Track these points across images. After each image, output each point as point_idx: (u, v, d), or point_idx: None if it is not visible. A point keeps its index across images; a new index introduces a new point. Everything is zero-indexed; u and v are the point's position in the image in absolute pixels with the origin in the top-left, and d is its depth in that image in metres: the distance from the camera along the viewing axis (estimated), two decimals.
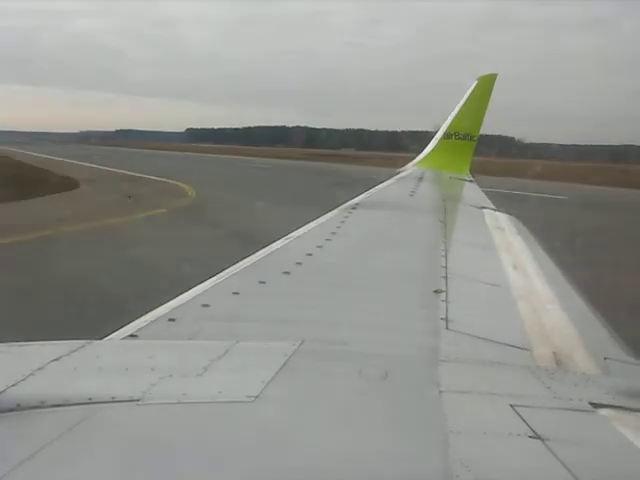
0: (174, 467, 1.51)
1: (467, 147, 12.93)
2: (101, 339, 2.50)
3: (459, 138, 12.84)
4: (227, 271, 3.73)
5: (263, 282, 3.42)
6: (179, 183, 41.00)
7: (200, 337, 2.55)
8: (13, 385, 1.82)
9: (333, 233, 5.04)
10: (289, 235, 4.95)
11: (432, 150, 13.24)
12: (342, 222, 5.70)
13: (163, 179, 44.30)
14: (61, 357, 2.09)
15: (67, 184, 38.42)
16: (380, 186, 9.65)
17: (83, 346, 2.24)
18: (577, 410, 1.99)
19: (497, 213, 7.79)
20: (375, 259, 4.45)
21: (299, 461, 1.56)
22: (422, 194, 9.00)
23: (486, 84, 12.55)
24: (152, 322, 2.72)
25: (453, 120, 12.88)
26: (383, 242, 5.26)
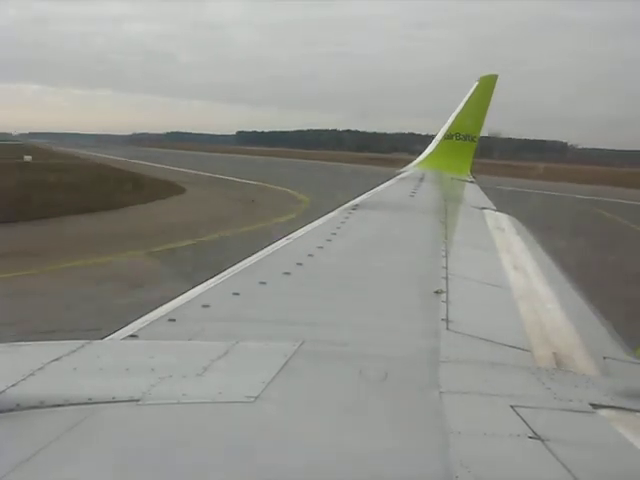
0: (174, 467, 1.51)
1: (468, 148, 12.90)
2: (102, 339, 2.50)
3: (460, 139, 12.80)
4: (227, 271, 3.73)
5: (264, 283, 3.43)
6: (278, 187, 40.23)
7: (200, 337, 2.55)
8: (13, 385, 1.82)
9: (333, 234, 5.04)
10: (290, 236, 4.97)
11: (433, 151, 13.20)
12: (342, 223, 5.70)
13: (259, 183, 43.15)
14: (61, 357, 2.09)
15: (171, 187, 37.83)
16: (381, 187, 9.66)
17: (83, 346, 2.24)
18: (577, 411, 2.00)
19: (497, 214, 7.80)
20: (375, 260, 4.45)
21: (300, 462, 1.56)
22: (423, 195, 9.01)
23: (487, 85, 12.53)
24: (152, 322, 2.72)
25: (454, 121, 12.83)
26: (383, 243, 5.26)
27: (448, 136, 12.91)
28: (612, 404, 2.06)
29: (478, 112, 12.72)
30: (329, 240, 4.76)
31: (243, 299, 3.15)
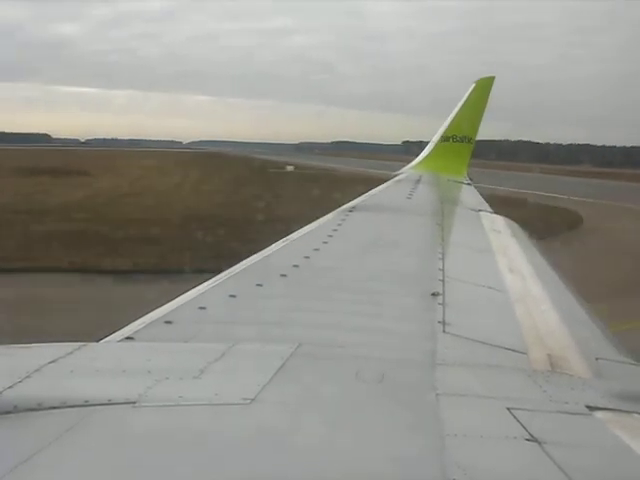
0: (171, 469, 1.51)
1: (465, 150, 12.90)
2: (98, 341, 2.50)
3: (457, 141, 12.80)
4: (224, 274, 3.73)
5: (260, 285, 3.43)
6: None
7: (197, 340, 2.55)
8: (10, 387, 1.81)
9: (330, 236, 5.04)
10: (287, 237, 4.97)
11: (430, 153, 13.19)
12: (339, 225, 5.69)
13: None
14: (58, 359, 2.09)
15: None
16: (377, 189, 9.66)
17: (80, 348, 2.24)
18: (573, 413, 2.00)
19: (493, 216, 7.81)
20: (372, 262, 4.46)
21: (296, 463, 1.56)
22: (419, 197, 9.00)
23: (484, 87, 12.55)
24: (149, 324, 2.72)
25: (451, 123, 12.82)
26: (380, 245, 5.26)
27: (445, 138, 12.90)
28: (608, 406, 2.06)
29: (475, 114, 12.73)
30: (325, 242, 4.76)
31: (239, 301, 3.15)
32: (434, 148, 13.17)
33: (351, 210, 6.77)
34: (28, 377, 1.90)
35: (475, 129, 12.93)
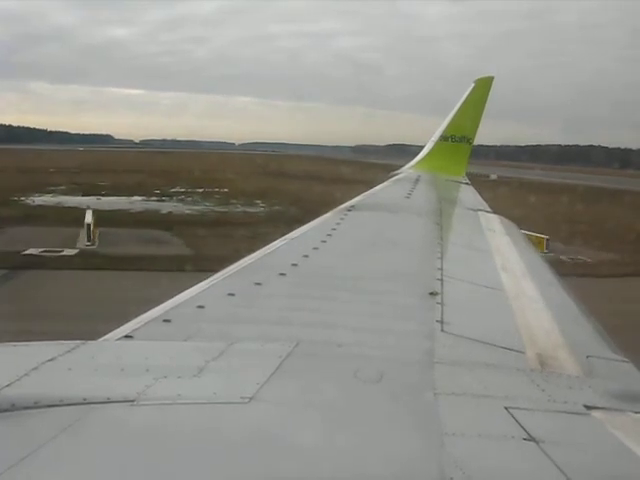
0: (169, 468, 1.51)
1: (464, 150, 12.90)
2: (96, 340, 2.50)
3: (456, 141, 12.78)
4: (222, 272, 3.74)
5: (259, 283, 3.43)
6: None
7: (195, 338, 2.55)
8: (7, 385, 1.81)
9: (329, 235, 5.04)
10: (285, 236, 4.97)
11: (428, 152, 13.17)
12: (338, 224, 5.69)
13: None
14: (56, 357, 2.09)
15: None
16: (376, 189, 9.67)
17: (78, 346, 2.24)
18: (571, 412, 2.01)
19: (492, 215, 7.83)
20: (370, 261, 4.46)
21: (294, 462, 1.56)
22: (418, 197, 9.01)
23: (483, 87, 12.55)
24: (147, 323, 2.72)
25: (450, 123, 12.81)
26: (378, 244, 5.26)
27: (444, 138, 12.89)
28: (606, 405, 2.07)
29: (474, 114, 12.73)
30: (324, 241, 4.76)
31: (238, 300, 3.15)
32: (433, 147, 13.14)
33: (350, 209, 6.77)
34: (26, 375, 1.90)
35: (474, 129, 12.92)
